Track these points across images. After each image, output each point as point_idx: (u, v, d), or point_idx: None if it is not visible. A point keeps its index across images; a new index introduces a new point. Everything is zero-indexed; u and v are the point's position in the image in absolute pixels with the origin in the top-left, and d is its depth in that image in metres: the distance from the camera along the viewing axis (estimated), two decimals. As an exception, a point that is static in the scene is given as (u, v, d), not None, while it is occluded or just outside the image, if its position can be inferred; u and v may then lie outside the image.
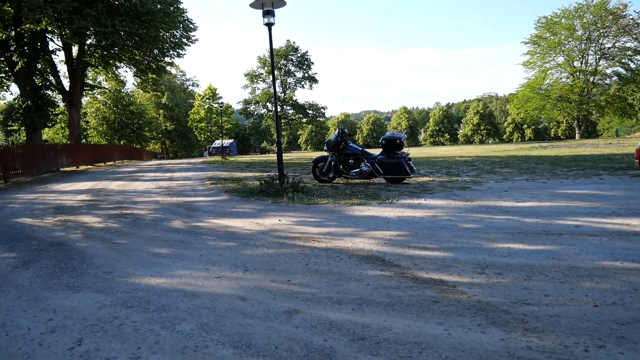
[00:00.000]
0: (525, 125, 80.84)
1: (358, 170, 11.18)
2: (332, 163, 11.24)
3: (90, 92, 35.65)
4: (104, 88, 37.73)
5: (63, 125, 39.72)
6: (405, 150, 11.30)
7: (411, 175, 10.99)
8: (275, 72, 61.63)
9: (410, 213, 6.90)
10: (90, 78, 35.74)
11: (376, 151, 12.10)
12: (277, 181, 9.90)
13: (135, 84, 35.24)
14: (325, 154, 11.78)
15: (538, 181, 10.56)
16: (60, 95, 30.33)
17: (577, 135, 51.66)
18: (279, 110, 62.30)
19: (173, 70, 75.17)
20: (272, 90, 62.70)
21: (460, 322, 2.81)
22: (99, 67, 32.48)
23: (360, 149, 11.49)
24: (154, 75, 32.59)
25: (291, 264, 4.34)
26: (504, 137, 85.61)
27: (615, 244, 4.61)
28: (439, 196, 8.58)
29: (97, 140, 45.40)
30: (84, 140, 41.79)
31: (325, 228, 6.06)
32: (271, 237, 5.61)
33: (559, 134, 77.17)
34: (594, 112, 51.41)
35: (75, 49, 28.87)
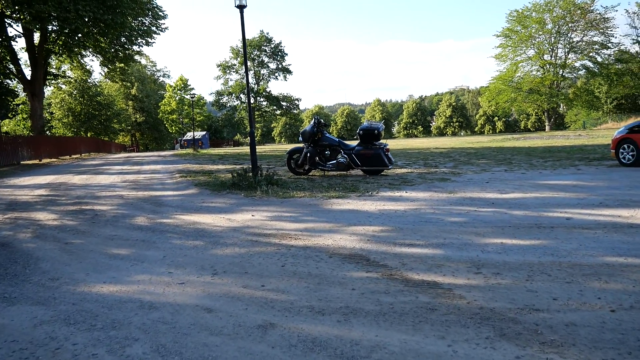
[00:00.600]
0: (496, 118, 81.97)
1: (335, 161, 10.75)
2: (308, 154, 10.78)
3: (53, 81, 34.05)
4: (69, 77, 36.13)
5: (25, 116, 38.03)
6: (382, 141, 10.92)
7: (389, 167, 10.63)
8: (249, 64, 60.77)
9: (391, 206, 6.51)
10: (54, 67, 34.09)
11: (353, 143, 11.70)
12: (250, 174, 9.39)
13: (103, 73, 33.97)
14: (300, 145, 11.31)
15: (517, 172, 10.36)
16: (21, 85, 28.92)
17: (547, 127, 52.47)
18: (252, 102, 61.58)
19: (143, 61, 72.99)
20: (245, 81, 61.74)
21: (465, 335, 2.41)
22: (63, 56, 31.00)
23: (337, 139, 11.06)
24: (122, 65, 31.39)
25: (266, 265, 3.88)
26: (476, 129, 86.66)
27: (612, 238, 4.31)
28: (420, 188, 8.23)
29: (62, 132, 43.63)
30: (47, 132, 40.17)
31: (303, 223, 5.61)
32: (243, 235, 5.13)
33: (529, 126, 78.45)
34: (562, 104, 52.24)
35: (37, 36, 27.46)
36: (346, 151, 10.74)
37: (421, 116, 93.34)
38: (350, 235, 4.86)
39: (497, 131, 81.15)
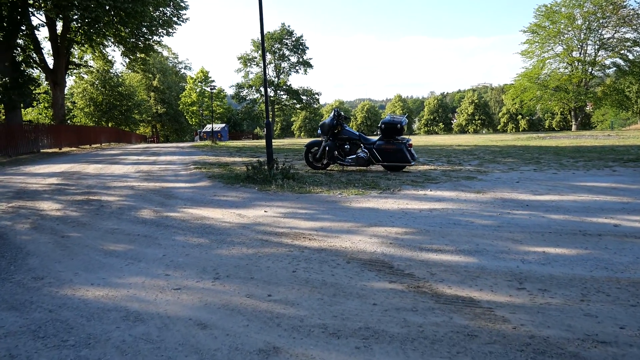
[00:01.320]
0: (519, 116, 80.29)
1: (354, 156, 10.25)
2: (327, 148, 10.30)
3: (75, 71, 34.17)
4: (90, 67, 36.21)
5: (47, 105, 38.34)
6: (405, 136, 10.38)
7: (412, 163, 10.09)
8: (269, 56, 60.53)
9: (415, 205, 6.00)
10: (77, 57, 34.20)
11: (373, 137, 11.18)
12: (266, 167, 8.95)
13: (124, 64, 33.95)
14: (319, 138, 10.84)
15: (547, 172, 9.72)
16: (44, 74, 29.02)
17: (573, 127, 50.97)
18: (272, 95, 61.34)
19: (165, 52, 73.47)
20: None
21: (516, 376, 1.92)
22: (85, 45, 31.04)
23: (357, 133, 10.55)
24: (143, 55, 31.30)
25: (275, 270, 3.43)
26: (498, 127, 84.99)
27: (673, 250, 3.74)
28: (445, 186, 7.69)
29: (84, 122, 43.93)
30: (69, 121, 40.44)
31: (318, 222, 5.15)
32: (253, 233, 4.69)
33: (553, 126, 76.62)
34: (590, 103, 50.64)
35: (59, 25, 27.50)
36: (367, 145, 10.23)
37: (442, 113, 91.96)
38: (371, 237, 4.38)
39: (520, 130, 79.43)
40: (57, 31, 27.19)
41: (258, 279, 3.23)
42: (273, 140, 39.66)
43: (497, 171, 10.08)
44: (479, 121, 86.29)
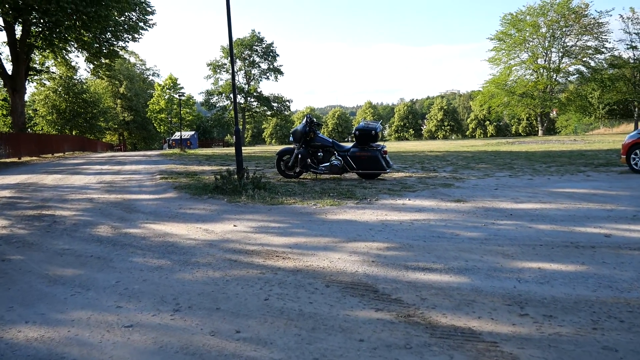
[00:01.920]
0: (487, 122, 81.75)
1: (328, 164, 9.89)
2: (299, 156, 9.91)
3: (36, 77, 32.82)
4: (53, 73, 34.86)
5: (5, 112, 36.74)
6: (379, 142, 10.10)
7: (387, 171, 9.80)
8: (239, 63, 59.87)
9: (395, 217, 5.66)
10: (38, 62, 32.88)
11: (347, 144, 10.86)
12: (236, 176, 8.49)
13: (88, 70, 32.81)
14: (291, 146, 10.45)
15: (522, 178, 9.61)
16: (1, 81, 27.73)
17: (539, 132, 52.10)
18: (242, 102, 60.64)
19: (132, 59, 71.79)
20: (235, 80, 60.65)
21: None
22: (47, 51, 29.84)
23: (331, 140, 10.20)
24: (107, 60, 30.30)
25: (244, 297, 3.01)
26: (467, 133, 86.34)
27: (673, 263, 3.50)
28: (424, 195, 7.40)
29: (46, 130, 42.33)
30: (30, 129, 38.88)
31: (293, 237, 4.74)
32: (221, 251, 4.25)
33: (520, 131, 78.28)
34: (555, 109, 51.87)
35: (18, 30, 26.32)
36: (340, 153, 9.90)
37: (412, 119, 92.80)
38: (351, 255, 4.00)
39: (488, 135, 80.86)
40: (16, 35, 26.02)
41: (225, 309, 2.80)
42: (244, 148, 38.97)
43: (473, 177, 9.90)
44: (448, 127, 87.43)
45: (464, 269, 3.51)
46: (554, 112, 58.72)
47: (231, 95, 59.89)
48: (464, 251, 4.02)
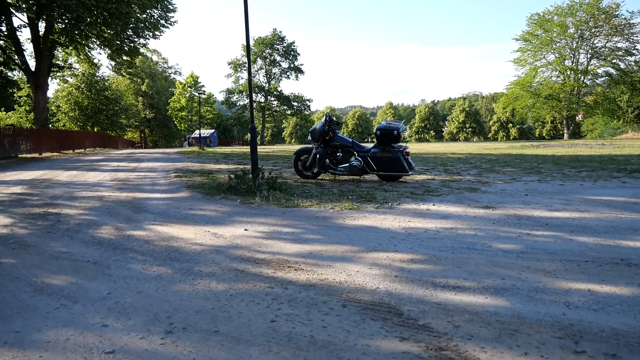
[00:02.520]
0: (510, 125, 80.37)
1: (347, 165, 9.48)
2: (318, 156, 9.51)
3: (59, 73, 33.16)
4: (75, 69, 35.17)
5: (28, 108, 37.19)
6: (401, 143, 9.64)
7: (409, 173, 9.33)
8: (260, 62, 59.84)
9: (419, 224, 5.21)
10: (60, 59, 33.18)
11: (367, 145, 10.43)
12: (250, 176, 8.13)
13: (110, 67, 33.05)
14: (309, 145, 10.06)
15: (552, 183, 9.04)
16: (25, 77, 28.03)
17: (565, 135, 50.74)
18: (262, 101, 60.54)
19: (154, 57, 72.72)
20: (255, 79, 60.61)
21: None
22: (69, 48, 30.09)
23: (351, 140, 9.78)
24: (128, 58, 30.42)
25: (248, 317, 2.62)
26: (489, 135, 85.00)
27: None
28: (449, 200, 6.92)
29: (68, 126, 42.78)
30: (52, 125, 39.34)
31: (307, 245, 4.33)
32: (228, 259, 3.87)
33: (544, 134, 76.74)
34: (582, 112, 50.42)
35: (42, 27, 26.54)
36: (360, 153, 9.47)
37: (433, 121, 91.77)
38: (371, 267, 3.58)
39: (510, 138, 79.40)
40: (40, 32, 26.23)
41: (224, 333, 2.41)
42: (262, 147, 38.71)
43: (500, 182, 9.37)
44: (470, 129, 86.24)
45: (501, 288, 3.06)
46: (580, 116, 57.26)
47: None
48: (499, 266, 3.56)
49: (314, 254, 4.01)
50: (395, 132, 9.21)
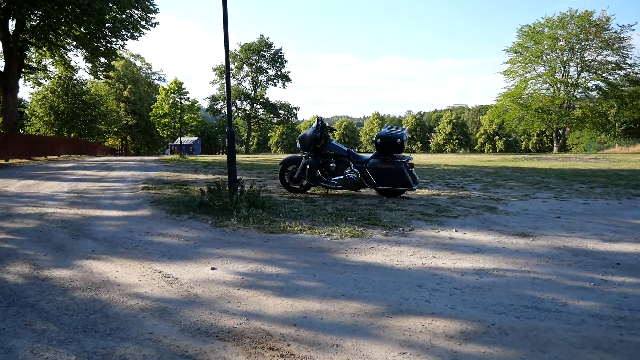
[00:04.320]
0: (497, 137, 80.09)
1: (342, 177, 8.12)
2: (308, 166, 8.15)
3: (31, 75, 31.35)
4: (49, 72, 33.34)
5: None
6: (404, 154, 8.35)
7: (414, 188, 8.03)
8: (246, 68, 58.47)
9: (448, 261, 3.87)
10: (34, 60, 31.39)
11: (365, 155, 9.12)
12: (227, 189, 6.72)
13: (87, 69, 31.32)
14: (298, 155, 8.71)
15: (573, 201, 7.87)
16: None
17: (554, 149, 50.17)
18: (248, 108, 59.12)
19: (138, 63, 70.85)
20: (241, 86, 59.23)
21: None
22: (43, 48, 28.37)
23: (346, 148, 8.44)
24: (106, 60, 28.83)
25: None
26: (475, 147, 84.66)
27: None
28: (470, 223, 5.61)
29: (43, 131, 40.76)
30: (22, 130, 37.37)
31: (299, 298, 2.96)
32: (175, 332, 2.47)
33: (530, 147, 76.54)
34: (572, 125, 49.82)
35: (12, 24, 24.85)
36: (357, 164, 8.14)
37: (420, 132, 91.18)
38: (404, 351, 2.22)
39: (497, 150, 79.03)
40: (9, 30, 24.54)
41: None
42: (247, 156, 37.19)
43: (514, 199, 8.15)
44: (457, 141, 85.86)
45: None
46: (566, 129, 56.79)
47: (237, 102, 58.57)
48: (604, 350, 2.23)
49: (310, 318, 2.63)
50: (399, 140, 7.92)
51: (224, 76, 50.08)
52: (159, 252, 4.19)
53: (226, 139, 6.86)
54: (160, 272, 3.55)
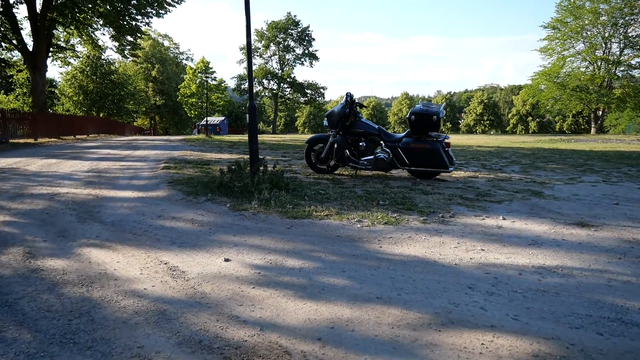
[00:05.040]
0: (530, 118, 77.40)
1: (372, 157, 7.55)
2: (336, 145, 7.59)
3: (60, 54, 31.45)
4: (77, 51, 33.36)
5: (26, 90, 35.65)
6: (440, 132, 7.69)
7: (450, 170, 7.39)
8: (273, 47, 57.76)
9: (500, 255, 3.30)
10: (62, 40, 31.44)
11: (397, 134, 8.50)
12: (249, 169, 6.24)
13: (114, 48, 31.29)
14: (325, 133, 8.15)
15: (626, 186, 7.15)
16: (23, 58, 26.39)
17: (592, 130, 48.04)
18: (275, 88, 58.52)
19: (166, 42, 70.89)
20: (268, 65, 58.56)
21: None
22: (71, 27, 28.33)
23: (377, 126, 7.83)
24: (132, 38, 28.64)
25: None
26: (507, 128, 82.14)
27: None
28: (518, 210, 4.98)
29: (73, 111, 41.16)
30: (51, 109, 37.81)
31: (325, 302, 2.45)
32: (172, 344, 2.01)
33: (564, 128, 73.73)
34: (613, 105, 47.41)
35: (39, 2, 24.80)
36: (389, 143, 7.55)
37: (450, 112, 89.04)
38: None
39: (530, 132, 76.52)
40: (37, 9, 24.51)
41: None
42: (274, 136, 36.75)
43: (559, 182, 7.44)
44: (488, 122, 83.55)
45: None
46: (605, 110, 54.18)
47: (264, 81, 58.01)
48: None
49: (338, 329, 2.12)
50: (435, 117, 7.26)
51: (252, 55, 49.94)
52: (169, 239, 3.74)
53: (247, 115, 6.32)
54: (166, 263, 3.09)
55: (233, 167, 6.18)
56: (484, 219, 4.49)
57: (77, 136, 28.17)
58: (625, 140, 27.13)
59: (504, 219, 4.49)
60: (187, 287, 2.66)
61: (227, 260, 3.18)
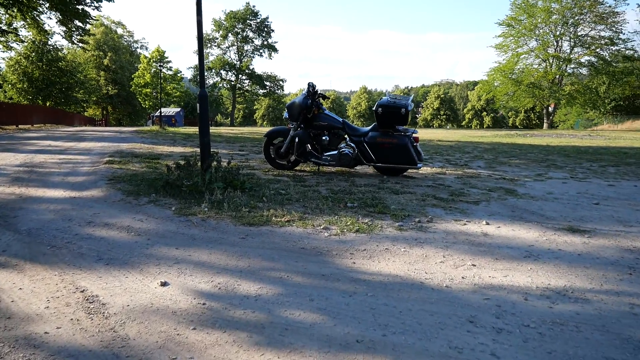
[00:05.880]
0: (484, 113, 79.38)
1: (336, 152, 6.98)
2: (297, 139, 6.96)
3: (1, 38, 29.24)
4: (20, 35, 31.10)
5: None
6: (408, 127, 7.23)
7: (419, 166, 6.92)
8: (232, 38, 56.22)
9: (496, 274, 2.78)
10: (4, 23, 29.21)
11: (362, 128, 7.97)
12: (199, 165, 5.53)
13: (62, 34, 29.31)
14: (285, 126, 7.50)
15: (595, 182, 6.95)
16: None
17: (544, 125, 49.43)
18: (233, 79, 57.08)
19: (119, 30, 67.82)
20: (226, 56, 57.03)
21: None
22: (13, 9, 26.28)
23: (341, 119, 7.25)
24: (80, 23, 26.91)
25: None
26: (463, 123, 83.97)
27: None
28: (498, 212, 4.53)
29: (16, 99, 38.57)
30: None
31: (288, 351, 1.85)
32: None
33: (517, 124, 75.97)
34: (564, 101, 48.85)
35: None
36: (354, 138, 7.00)
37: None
38: None
39: (484, 126, 78.37)
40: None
41: None
42: (232, 128, 35.66)
43: (527, 179, 7.17)
44: (444, 116, 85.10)
45: None
46: (552, 106, 55.92)
47: (222, 72, 56.42)
48: None
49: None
50: (403, 110, 6.76)
51: (209, 46, 47.67)
52: (95, 254, 3.03)
53: (198, 103, 5.57)
54: (82, 291, 2.40)
55: (181, 163, 5.45)
56: (465, 224, 3.99)
57: (19, 126, 26.38)
58: (577, 135, 27.83)
59: (487, 223, 4.01)
60: (104, 330, 1.99)
61: (164, 284, 2.52)
